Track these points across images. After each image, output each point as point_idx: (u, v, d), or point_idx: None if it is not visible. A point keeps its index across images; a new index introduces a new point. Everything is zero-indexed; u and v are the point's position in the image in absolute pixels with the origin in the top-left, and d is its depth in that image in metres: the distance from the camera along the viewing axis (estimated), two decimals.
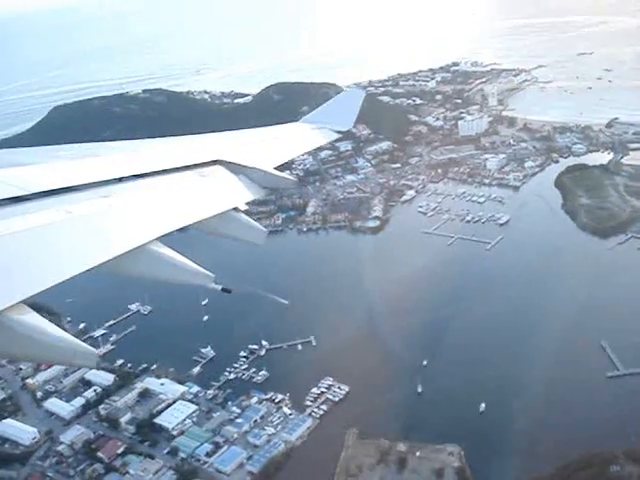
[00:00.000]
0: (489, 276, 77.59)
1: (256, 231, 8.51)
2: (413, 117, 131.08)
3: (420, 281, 76.25)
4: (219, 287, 6.42)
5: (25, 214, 5.65)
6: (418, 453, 52.90)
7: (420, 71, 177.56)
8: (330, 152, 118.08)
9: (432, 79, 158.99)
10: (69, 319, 79.15)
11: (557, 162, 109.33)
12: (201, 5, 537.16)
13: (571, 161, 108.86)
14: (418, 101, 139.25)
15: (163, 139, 10.93)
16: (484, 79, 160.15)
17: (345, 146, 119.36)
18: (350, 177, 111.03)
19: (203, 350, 69.40)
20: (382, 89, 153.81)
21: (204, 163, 9.13)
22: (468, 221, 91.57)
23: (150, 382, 64.44)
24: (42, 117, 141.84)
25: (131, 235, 6.21)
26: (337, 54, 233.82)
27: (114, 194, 6.82)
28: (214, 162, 9.36)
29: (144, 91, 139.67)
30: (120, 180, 7.35)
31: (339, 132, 15.52)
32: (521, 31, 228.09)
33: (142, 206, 7.02)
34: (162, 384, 63.76)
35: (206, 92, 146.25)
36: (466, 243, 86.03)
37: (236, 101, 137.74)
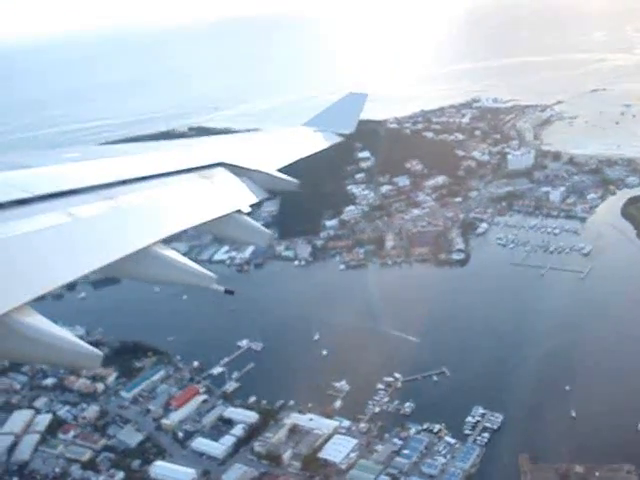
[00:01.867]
0: (595, 302, 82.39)
1: (260, 234, 8.71)
2: (460, 152, 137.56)
3: (534, 310, 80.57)
4: (222, 288, 6.75)
5: (29, 217, 5.76)
6: (597, 473, 56.03)
7: (442, 107, 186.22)
8: (390, 187, 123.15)
9: (463, 115, 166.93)
10: (179, 357, 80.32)
11: (614, 194, 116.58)
12: (213, 42, 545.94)
13: (626, 193, 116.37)
14: (460, 137, 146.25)
15: (166, 142, 11.27)
16: (513, 115, 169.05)
17: (403, 181, 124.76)
18: (416, 211, 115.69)
19: (337, 384, 71.34)
20: (414, 125, 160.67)
21: (207, 166, 9.38)
22: (551, 252, 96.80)
23: (297, 418, 65.91)
24: None
25: (135, 237, 6.43)
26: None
27: (118, 196, 6.99)
28: (217, 165, 9.62)
29: (190, 129, 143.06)
30: (124, 182, 7.51)
31: (341, 135, 16.49)
32: (526, 68, 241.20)
33: (146, 208, 7.22)
34: (311, 419, 65.31)
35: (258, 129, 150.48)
36: (558, 273, 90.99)
37: None
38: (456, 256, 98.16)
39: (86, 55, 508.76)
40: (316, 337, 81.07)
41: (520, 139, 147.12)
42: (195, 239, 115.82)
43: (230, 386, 73.70)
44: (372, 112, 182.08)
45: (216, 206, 8.20)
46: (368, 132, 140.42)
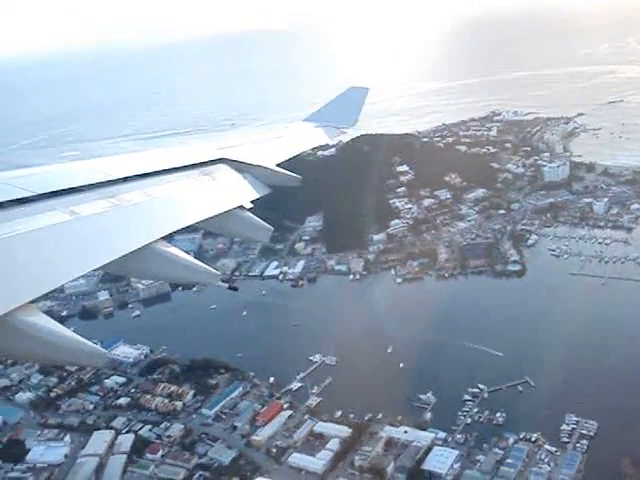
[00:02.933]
0: None
1: (261, 229, 8.73)
2: (495, 165, 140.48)
3: (605, 318, 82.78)
4: (225, 285, 6.88)
5: (31, 215, 5.83)
6: None
7: (464, 121, 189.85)
8: (432, 200, 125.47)
9: (489, 128, 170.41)
10: (252, 374, 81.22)
11: None
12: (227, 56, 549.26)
13: None
14: (492, 150, 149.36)
15: (167, 139, 12.87)
16: (538, 127, 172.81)
17: (444, 194, 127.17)
18: (461, 224, 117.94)
19: (422, 396, 72.69)
20: (443, 139, 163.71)
21: (209, 162, 9.52)
22: (607, 262, 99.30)
23: (391, 430, 67.00)
24: None
25: (137, 235, 6.50)
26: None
27: (119, 194, 7.06)
28: (219, 160, 9.74)
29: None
30: (125, 180, 7.63)
31: (343, 130, 16.79)
32: (538, 81, 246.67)
33: (147, 206, 7.28)
34: (405, 432, 66.48)
35: None
36: (618, 282, 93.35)
37: (319, 153, 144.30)
38: (512, 267, 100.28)
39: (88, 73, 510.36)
40: (389, 350, 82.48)
41: (550, 151, 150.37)
42: (242, 255, 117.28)
43: (313, 401, 74.72)
44: (395, 126, 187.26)
45: (218, 202, 8.27)
46: (404, 146, 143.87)
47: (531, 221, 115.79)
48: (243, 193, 9.09)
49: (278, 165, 10.96)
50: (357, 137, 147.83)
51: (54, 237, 5.76)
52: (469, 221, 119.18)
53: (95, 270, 5.80)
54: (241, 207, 8.54)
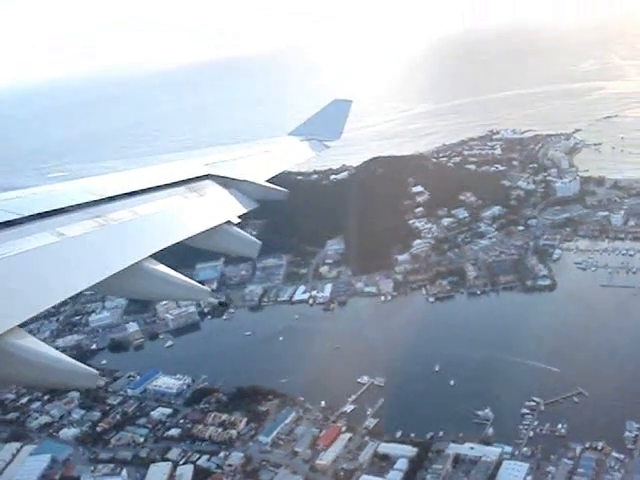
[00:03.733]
0: None
1: (249, 244, 8.84)
2: (506, 182, 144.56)
3: None
4: (216, 301, 7.07)
5: (18, 238, 5.86)
6: None
7: (463, 140, 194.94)
8: (450, 220, 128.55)
9: (492, 147, 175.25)
10: (302, 398, 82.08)
11: None
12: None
13: None
14: (500, 168, 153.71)
15: (153, 157, 11.67)
16: (539, 144, 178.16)
17: (461, 213, 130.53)
18: (483, 241, 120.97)
19: (480, 412, 74.29)
20: (450, 159, 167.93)
21: (195, 178, 9.69)
22: (634, 272, 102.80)
23: (457, 448, 68.39)
24: None
25: (125, 253, 6.56)
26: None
27: (106, 214, 7.12)
28: (205, 177, 9.93)
29: None
30: (112, 199, 7.69)
31: (326, 144, 16.95)
32: (529, 100, 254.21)
33: (135, 224, 7.36)
34: (472, 448, 67.96)
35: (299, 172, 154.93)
36: None
37: (332, 177, 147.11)
38: (542, 282, 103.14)
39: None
40: (437, 368, 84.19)
41: (557, 167, 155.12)
42: (266, 281, 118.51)
43: (370, 422, 75.80)
44: (395, 148, 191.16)
45: (205, 218, 8.42)
46: (416, 167, 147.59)
47: (552, 236, 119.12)
48: (230, 208, 9.25)
49: (268, 180, 11.24)
50: (369, 160, 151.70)
51: (42, 259, 5.76)
52: (490, 238, 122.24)
53: (85, 291, 5.76)
54: (229, 222, 8.69)
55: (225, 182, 9.99)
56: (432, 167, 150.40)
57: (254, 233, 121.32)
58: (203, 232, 7.96)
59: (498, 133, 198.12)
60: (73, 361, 5.03)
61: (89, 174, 9.21)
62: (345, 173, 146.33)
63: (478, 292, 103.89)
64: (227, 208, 9.28)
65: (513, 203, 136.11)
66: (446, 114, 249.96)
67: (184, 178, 9.54)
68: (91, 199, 7.49)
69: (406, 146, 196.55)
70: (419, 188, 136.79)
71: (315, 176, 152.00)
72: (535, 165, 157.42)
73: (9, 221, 6.19)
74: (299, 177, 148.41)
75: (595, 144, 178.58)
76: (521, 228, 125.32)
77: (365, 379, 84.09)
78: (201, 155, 12.23)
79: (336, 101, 21.06)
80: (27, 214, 6.45)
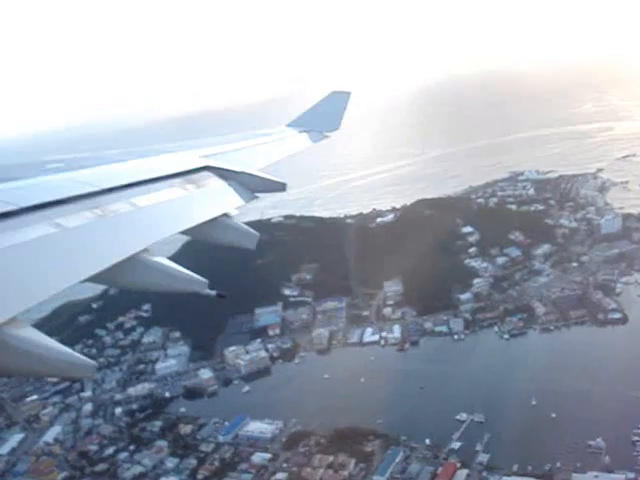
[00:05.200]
0: None
1: (247, 236, 8.98)
2: (549, 221, 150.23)
3: None
4: (214, 292, 7.15)
5: (16, 229, 6.03)
6: None
7: (488, 182, 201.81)
8: (504, 258, 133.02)
9: (524, 187, 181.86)
10: (405, 437, 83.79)
11: None
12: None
13: None
14: (539, 207, 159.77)
15: (150, 149, 11.82)
16: (568, 184, 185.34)
17: (514, 252, 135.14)
18: (541, 279, 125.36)
19: (592, 442, 76.75)
20: (486, 200, 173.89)
21: (193, 170, 9.81)
22: None
23: (581, 477, 70.68)
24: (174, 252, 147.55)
25: (123, 245, 6.75)
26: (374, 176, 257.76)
27: (104, 205, 7.30)
28: (203, 168, 10.06)
29: (286, 217, 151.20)
30: (110, 191, 7.85)
31: (325, 135, 17.28)
32: (542, 141, 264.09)
33: (132, 216, 7.51)
34: (596, 476, 70.27)
35: (346, 216, 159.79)
36: None
37: (378, 220, 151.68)
38: (614, 315, 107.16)
39: None
40: (533, 402, 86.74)
41: (594, 205, 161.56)
42: (327, 324, 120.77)
43: (483, 457, 77.73)
44: (422, 192, 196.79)
45: (203, 210, 8.61)
46: (462, 207, 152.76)
47: (609, 271, 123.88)
48: (228, 200, 9.46)
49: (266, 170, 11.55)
50: (415, 202, 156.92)
51: (40, 250, 5.87)
52: (547, 275, 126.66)
53: (83, 282, 5.83)
54: (226, 214, 8.88)
55: (223, 174, 10.19)
56: (476, 207, 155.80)
57: (308, 277, 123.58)
58: (201, 224, 8.12)
59: (522, 174, 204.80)
60: (71, 352, 5.18)
61: (87, 165, 9.30)
62: (391, 216, 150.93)
63: (551, 327, 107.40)
64: (226, 200, 9.46)
65: (560, 241, 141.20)
66: (461, 158, 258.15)
67: (182, 170, 9.71)
68: (89, 190, 7.59)
69: (433, 189, 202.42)
70: (469, 228, 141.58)
71: (361, 220, 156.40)
72: (572, 204, 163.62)
73: (6, 212, 6.27)
74: (348, 220, 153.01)
75: (622, 182, 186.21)
76: (575, 265, 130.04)
77: (464, 416, 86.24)
78: (199, 146, 12.34)
79: (334, 92, 21.27)
80: (25, 205, 6.52)
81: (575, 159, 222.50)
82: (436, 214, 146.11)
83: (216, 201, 9.32)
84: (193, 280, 7.02)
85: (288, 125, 17.97)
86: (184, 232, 8.00)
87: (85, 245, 6.51)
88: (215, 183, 9.79)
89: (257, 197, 10.19)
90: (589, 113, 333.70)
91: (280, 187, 10.69)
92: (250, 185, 10.18)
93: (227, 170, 10.30)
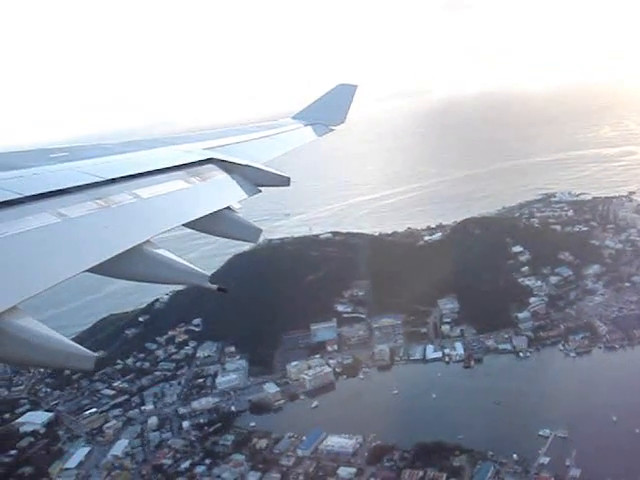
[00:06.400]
0: None
1: (250, 230, 9.07)
2: (594, 242, 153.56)
3: None
4: (215, 287, 7.16)
5: (19, 218, 6.06)
6: None
7: (521, 203, 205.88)
8: (557, 278, 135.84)
9: (562, 208, 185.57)
10: (492, 453, 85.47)
11: None
12: None
13: None
14: (583, 228, 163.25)
15: (154, 140, 11.84)
16: (604, 206, 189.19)
17: (565, 271, 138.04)
18: (596, 298, 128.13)
19: None
20: (528, 220, 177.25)
21: (197, 162, 10.01)
22: None
23: None
24: (217, 269, 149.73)
25: (126, 236, 6.82)
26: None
27: (108, 195, 7.40)
28: (207, 161, 10.24)
29: (334, 234, 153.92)
30: (113, 181, 7.99)
31: (332, 127, 17.34)
32: (569, 164, 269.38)
33: (136, 207, 7.56)
34: None
35: (386, 234, 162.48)
36: None
37: (426, 238, 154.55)
38: None
39: None
40: (614, 418, 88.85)
41: (634, 227, 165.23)
42: (386, 341, 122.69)
43: (575, 472, 79.59)
44: (455, 212, 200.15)
45: (207, 203, 8.69)
46: (510, 227, 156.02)
47: None
48: (232, 193, 9.52)
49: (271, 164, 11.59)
50: (463, 221, 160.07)
51: (42, 239, 5.93)
52: (601, 295, 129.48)
53: (84, 272, 5.87)
54: (229, 207, 8.95)
55: (227, 167, 10.25)
56: (523, 227, 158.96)
57: (360, 293, 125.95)
58: (204, 217, 8.18)
59: (554, 196, 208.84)
60: (71, 342, 5.22)
61: (91, 155, 9.39)
62: (439, 234, 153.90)
63: (616, 346, 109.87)
64: (229, 193, 9.52)
65: (608, 261, 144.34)
66: (487, 179, 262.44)
67: (186, 162, 9.80)
68: (92, 181, 7.68)
69: (465, 209, 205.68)
70: (519, 247, 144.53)
71: (409, 238, 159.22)
72: (612, 226, 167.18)
73: (9, 200, 6.34)
74: (392, 239, 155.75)
75: None
76: (627, 284, 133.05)
77: (547, 432, 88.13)
78: (203, 139, 12.38)
79: (341, 85, 21.23)
80: (28, 194, 6.59)
81: (604, 182, 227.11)
82: (485, 233, 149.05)
83: (220, 194, 9.41)
84: (194, 273, 7.05)
85: (293, 117, 18.02)
86: (187, 224, 8.03)
87: (88, 235, 6.56)
88: (219, 176, 9.87)
89: (260, 191, 10.19)
90: (608, 137, 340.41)
91: (284, 181, 10.65)
92: (254, 178, 10.21)
93: (231, 163, 10.37)
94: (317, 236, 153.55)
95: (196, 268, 7.09)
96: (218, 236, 8.93)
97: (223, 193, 9.47)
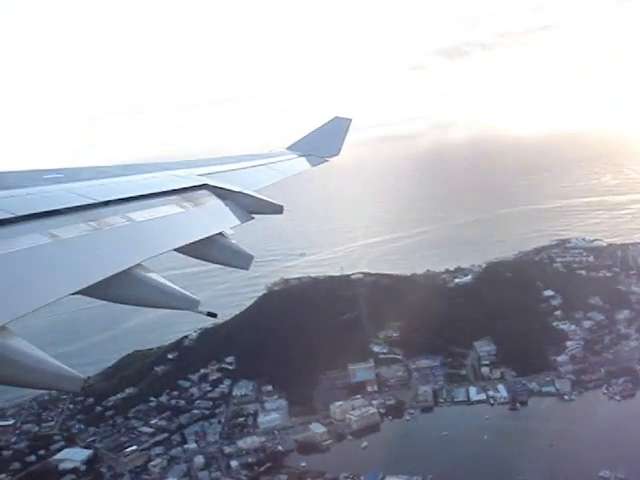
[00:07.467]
0: None
1: (242, 256, 9.19)
2: (621, 287, 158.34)
3: None
4: (204, 312, 7.23)
5: (10, 237, 6.10)
6: None
7: (536, 248, 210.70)
8: (590, 322, 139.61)
9: (581, 253, 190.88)
10: None
11: None
12: None
13: None
14: (607, 274, 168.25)
15: (149, 165, 12.25)
16: (623, 252, 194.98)
17: (597, 316, 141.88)
18: (631, 343, 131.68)
19: None
20: (551, 264, 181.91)
21: (191, 187, 10.26)
22: None
23: None
24: (248, 306, 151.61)
25: (117, 259, 6.87)
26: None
27: (100, 218, 7.45)
28: (201, 187, 10.54)
29: (364, 274, 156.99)
30: (107, 204, 8.04)
31: (325, 159, 17.99)
32: (576, 211, 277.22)
33: (128, 230, 7.63)
34: None
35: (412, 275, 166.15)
36: None
37: (456, 281, 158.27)
38: None
39: None
40: None
41: None
42: (425, 382, 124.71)
43: None
44: (472, 255, 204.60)
45: (199, 228, 8.92)
46: (539, 272, 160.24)
47: None
48: (225, 220, 9.70)
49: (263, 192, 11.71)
50: (492, 263, 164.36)
51: (33, 259, 5.91)
52: (636, 339, 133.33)
53: (74, 294, 5.81)
54: (222, 234, 9.09)
55: (221, 193, 10.45)
56: (551, 272, 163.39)
57: (395, 334, 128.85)
58: (197, 242, 8.28)
59: (569, 242, 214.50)
60: (60, 364, 5.22)
61: (85, 178, 9.50)
62: (469, 276, 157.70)
63: None
64: (222, 219, 9.71)
65: (637, 307, 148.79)
66: (498, 224, 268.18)
67: (180, 187, 10.00)
68: (86, 202, 7.75)
69: (481, 253, 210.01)
70: (550, 292, 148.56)
71: (439, 281, 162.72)
72: (634, 271, 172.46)
73: (2, 220, 6.38)
74: (423, 281, 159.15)
75: None
76: None
77: (607, 473, 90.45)
78: (197, 165, 12.64)
79: (336, 118, 22.00)
80: (20, 214, 6.64)
81: (617, 229, 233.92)
82: (515, 277, 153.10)
83: (213, 220, 9.58)
84: (185, 298, 7.10)
85: (288, 148, 18.53)
86: (179, 249, 8.13)
87: (78, 257, 6.56)
88: (212, 202, 10.09)
89: (253, 218, 10.41)
90: (611, 185, 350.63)
91: (277, 209, 10.89)
92: (247, 205, 10.47)
93: (225, 189, 10.61)
94: (348, 276, 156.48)
95: (187, 293, 7.12)
96: (210, 262, 8.98)
97: (216, 219, 9.68)
